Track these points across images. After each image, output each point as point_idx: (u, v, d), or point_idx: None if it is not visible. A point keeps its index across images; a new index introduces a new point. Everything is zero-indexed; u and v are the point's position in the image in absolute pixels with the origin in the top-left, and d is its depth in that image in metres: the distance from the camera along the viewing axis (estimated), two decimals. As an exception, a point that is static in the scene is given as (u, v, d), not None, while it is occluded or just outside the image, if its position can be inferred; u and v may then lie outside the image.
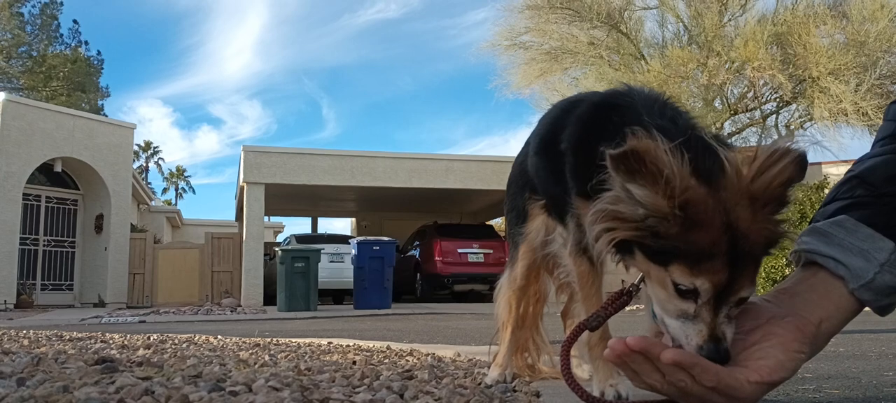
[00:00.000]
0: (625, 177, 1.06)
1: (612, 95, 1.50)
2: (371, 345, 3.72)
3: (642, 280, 1.24)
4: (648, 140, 1.05)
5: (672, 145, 1.06)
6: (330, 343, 3.98)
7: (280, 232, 28.49)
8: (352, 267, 13.09)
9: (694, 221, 1.05)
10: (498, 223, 20.97)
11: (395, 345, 3.66)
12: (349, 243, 14.22)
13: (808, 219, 1.27)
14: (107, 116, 25.05)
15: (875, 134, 1.31)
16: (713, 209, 1.06)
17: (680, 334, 1.12)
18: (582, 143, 1.45)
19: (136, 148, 40.45)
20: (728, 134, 15.65)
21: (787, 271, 11.01)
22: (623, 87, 1.50)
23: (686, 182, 1.05)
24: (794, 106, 16.02)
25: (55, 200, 15.97)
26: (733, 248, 1.06)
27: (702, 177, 1.07)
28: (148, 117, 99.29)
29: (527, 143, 1.91)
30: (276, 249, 14.08)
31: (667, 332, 1.16)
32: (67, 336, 4.65)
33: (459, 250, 16.03)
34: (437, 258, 15.98)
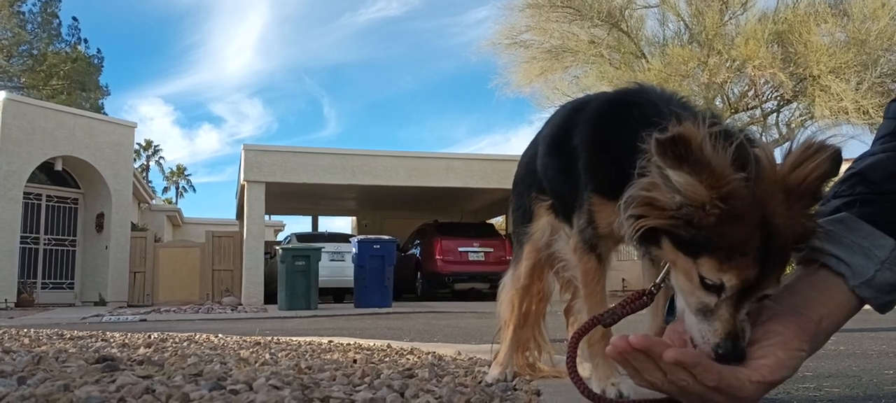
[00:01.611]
0: (670, 163, 1.03)
1: (627, 93, 1.50)
2: (372, 344, 3.72)
3: (663, 282, 1.24)
4: (695, 127, 1.03)
5: (715, 133, 1.03)
6: (330, 341, 3.98)
7: (281, 230, 28.50)
8: (352, 265, 13.08)
9: (732, 215, 1.03)
10: (499, 221, 20.98)
11: (395, 344, 3.66)
12: (350, 242, 14.22)
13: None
14: (107, 115, 25.08)
15: (875, 132, 1.31)
16: (751, 204, 1.04)
17: (696, 330, 1.11)
18: (597, 140, 1.45)
19: (136, 147, 40.49)
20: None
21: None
22: (634, 85, 1.50)
23: (729, 174, 1.03)
24: (794, 104, 16.02)
25: (56, 199, 15.98)
26: (766, 245, 1.05)
27: (741, 170, 1.05)
28: (149, 116, 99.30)
29: (533, 143, 1.91)
30: (277, 248, 14.08)
31: (684, 324, 1.14)
32: (68, 335, 4.65)
33: (460, 249, 16.02)
34: (437, 256, 15.97)
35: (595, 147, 1.45)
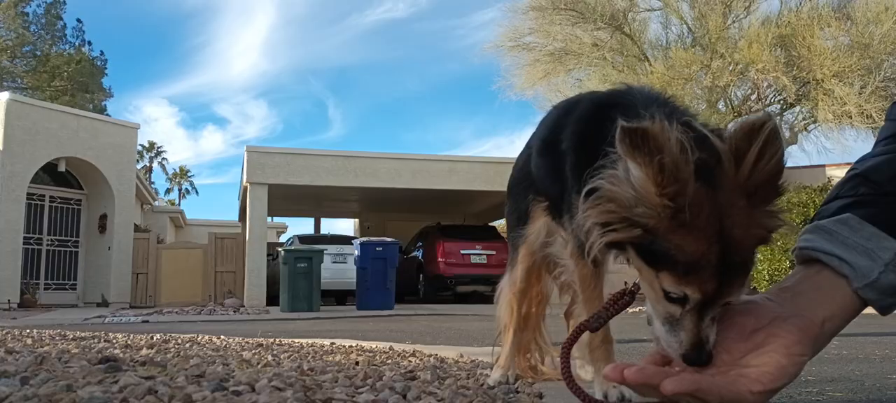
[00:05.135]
0: (626, 151, 1.01)
1: (612, 94, 1.51)
2: (374, 346, 3.72)
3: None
4: (661, 124, 1.01)
5: (682, 138, 1.01)
6: (333, 343, 3.98)
7: (283, 232, 28.53)
8: (355, 267, 13.09)
9: (683, 221, 1.02)
10: (501, 224, 20.94)
11: (397, 346, 3.66)
12: (352, 244, 14.23)
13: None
14: (111, 116, 25.13)
15: (877, 135, 1.31)
16: (708, 215, 1.03)
17: (663, 339, 1.11)
18: (582, 142, 1.45)
19: (139, 148, 40.53)
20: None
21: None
22: (623, 87, 1.50)
23: (682, 174, 1.00)
24: (798, 108, 16.01)
25: (59, 200, 16.00)
26: (725, 258, 1.03)
27: (700, 176, 1.02)
28: (153, 117, 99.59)
29: (528, 145, 1.91)
30: (279, 250, 14.09)
31: (653, 332, 1.15)
32: (71, 336, 4.66)
33: (462, 251, 16.02)
34: (440, 259, 15.97)
35: (579, 148, 1.45)
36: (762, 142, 1.02)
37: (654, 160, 0.99)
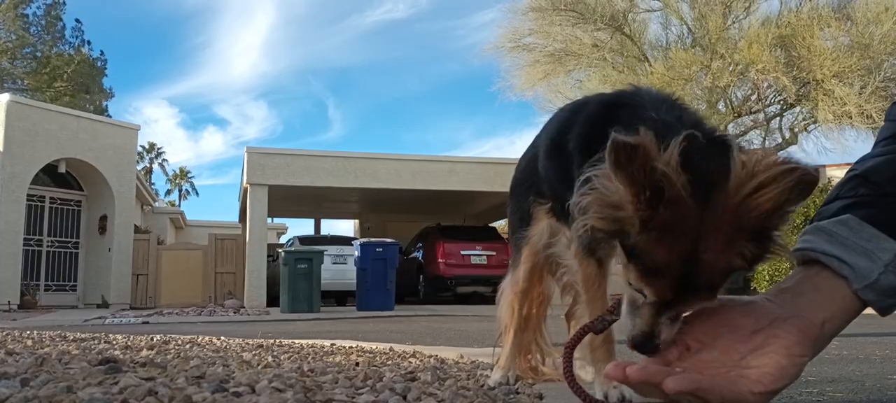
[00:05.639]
0: (611, 166, 1.02)
1: (620, 95, 1.50)
2: (374, 347, 3.72)
3: None
4: (651, 142, 1.01)
5: (672, 159, 1.00)
6: (333, 344, 3.98)
7: (283, 233, 28.52)
8: (355, 268, 13.09)
9: (658, 240, 1.04)
10: (501, 225, 20.97)
11: (397, 347, 3.65)
12: (352, 245, 14.23)
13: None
14: (111, 117, 25.14)
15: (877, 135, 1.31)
16: (681, 232, 1.03)
17: (624, 320, 1.17)
18: (589, 143, 1.45)
19: (139, 149, 40.54)
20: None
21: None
22: (631, 88, 1.50)
23: (660, 196, 1.00)
24: (798, 108, 16.01)
25: (59, 201, 16.01)
26: (688, 274, 1.05)
27: (693, 190, 1.02)
28: (154, 118, 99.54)
29: (531, 146, 1.91)
30: (280, 251, 14.09)
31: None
32: (71, 337, 4.66)
33: (462, 252, 16.02)
34: (440, 260, 15.97)
35: (586, 149, 1.45)
36: (772, 179, 1.00)
37: (635, 180, 1.00)
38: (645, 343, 1.12)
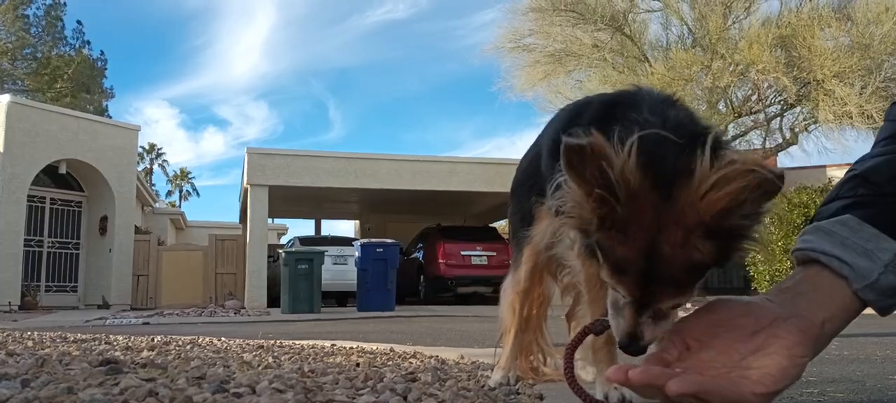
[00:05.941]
0: (564, 167, 1.04)
1: (621, 95, 1.51)
2: (374, 347, 3.72)
3: None
4: (600, 142, 1.02)
5: (627, 157, 1.02)
6: (333, 345, 3.98)
7: (284, 234, 28.53)
8: (355, 269, 13.10)
9: (618, 237, 1.06)
10: (502, 225, 20.97)
11: (398, 347, 3.65)
12: (353, 245, 14.23)
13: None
14: (111, 118, 25.15)
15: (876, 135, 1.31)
16: (638, 227, 1.05)
17: (611, 319, 1.18)
18: None
19: (140, 150, 40.55)
20: (732, 136, 15.64)
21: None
22: (632, 88, 1.51)
23: (614, 192, 1.03)
24: (798, 108, 16.00)
25: (60, 202, 16.02)
26: (649, 268, 1.06)
27: (655, 185, 1.04)
28: (154, 118, 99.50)
29: (534, 146, 1.91)
30: (280, 251, 14.10)
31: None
32: (71, 338, 4.66)
33: (463, 252, 16.03)
34: (440, 260, 15.98)
35: None
36: (730, 177, 1.00)
37: (586, 179, 1.03)
38: (629, 344, 1.13)
